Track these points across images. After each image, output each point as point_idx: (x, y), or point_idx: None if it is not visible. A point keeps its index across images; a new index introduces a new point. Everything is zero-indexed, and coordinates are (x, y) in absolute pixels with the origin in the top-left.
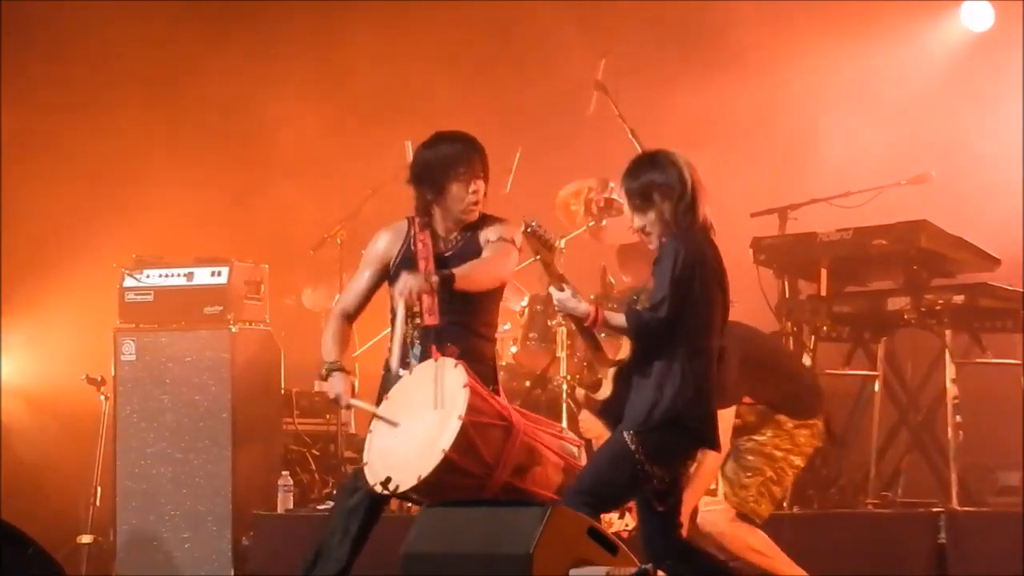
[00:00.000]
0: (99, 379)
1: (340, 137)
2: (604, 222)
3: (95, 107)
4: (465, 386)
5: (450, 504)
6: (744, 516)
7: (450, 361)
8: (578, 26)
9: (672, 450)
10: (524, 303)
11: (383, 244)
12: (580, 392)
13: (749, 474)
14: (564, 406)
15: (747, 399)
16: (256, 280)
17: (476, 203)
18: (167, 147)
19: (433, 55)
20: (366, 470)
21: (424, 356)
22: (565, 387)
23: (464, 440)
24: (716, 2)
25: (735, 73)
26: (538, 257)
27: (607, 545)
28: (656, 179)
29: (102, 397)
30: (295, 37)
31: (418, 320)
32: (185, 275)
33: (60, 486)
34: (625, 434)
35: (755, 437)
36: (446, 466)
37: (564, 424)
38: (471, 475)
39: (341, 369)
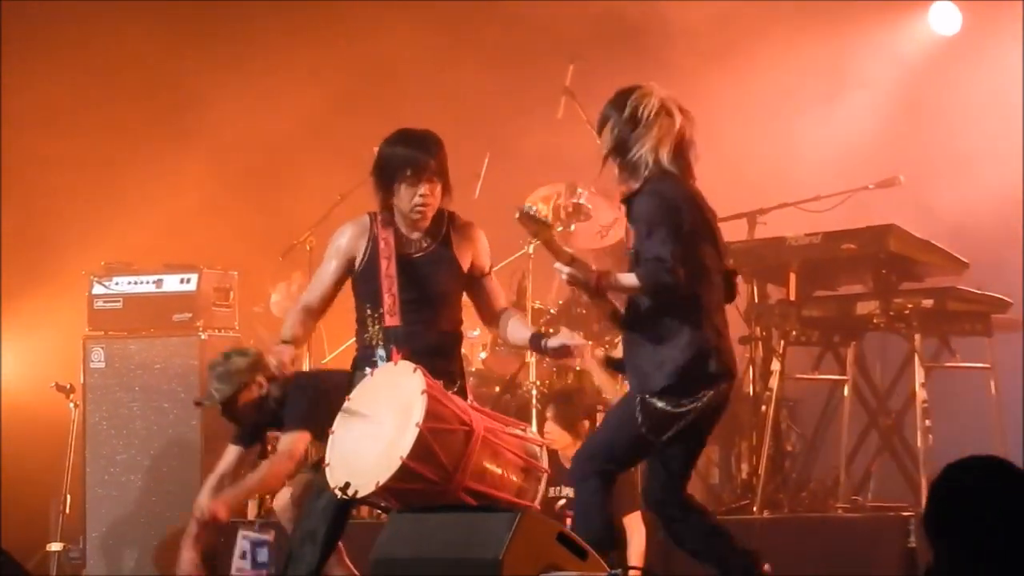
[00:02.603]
0: (68, 387)
1: (308, 143)
2: (573, 227)
3: (68, 116)
4: (423, 392)
5: (420, 509)
6: None
7: (409, 366)
8: (547, 30)
9: (683, 397)
10: None
11: (347, 240)
12: (599, 353)
13: None
14: (533, 411)
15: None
16: (225, 287)
17: (424, 206)
18: (137, 154)
19: (402, 60)
20: (327, 472)
21: (388, 358)
22: (535, 392)
23: (422, 447)
24: (682, 6)
25: (702, 78)
26: (536, 240)
27: (577, 551)
28: (611, 111)
29: (71, 405)
30: (267, 44)
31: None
32: (154, 282)
33: (29, 494)
34: (636, 397)
35: None
36: (404, 473)
37: (533, 426)
38: (430, 481)
39: (290, 343)
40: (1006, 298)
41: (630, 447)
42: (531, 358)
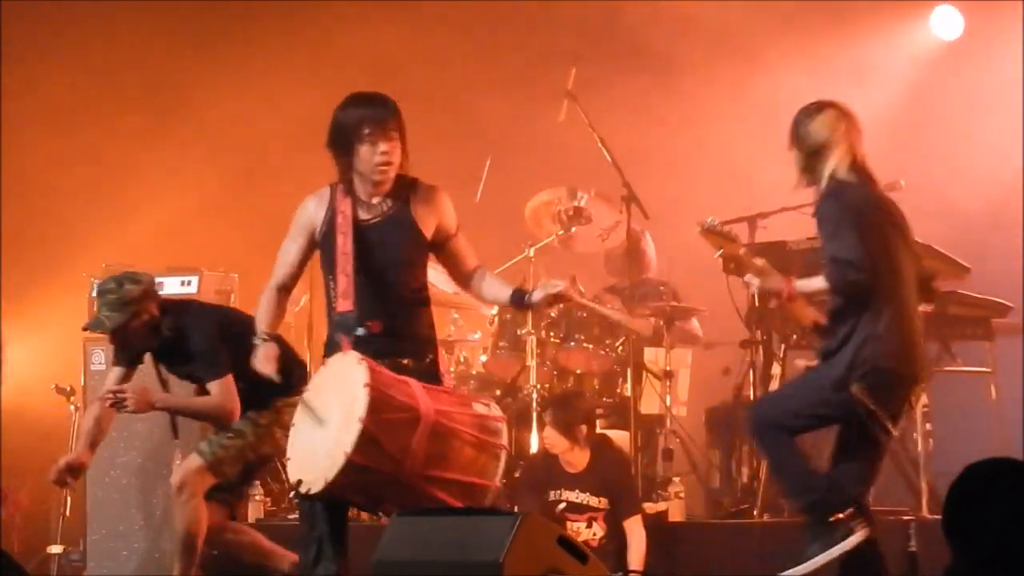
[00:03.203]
0: (69, 389)
1: (309, 144)
2: (573, 230)
3: (68, 116)
4: (366, 385)
5: (421, 512)
6: (214, 472)
7: (354, 356)
8: (549, 33)
9: (884, 394)
10: (494, 312)
11: (307, 213)
12: (801, 364)
13: (231, 435)
14: (534, 415)
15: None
16: (226, 289)
17: (386, 164)
18: (138, 155)
19: (403, 62)
20: (288, 466)
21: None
22: (536, 395)
23: (366, 441)
24: (684, 11)
25: (704, 82)
26: (720, 253)
27: (577, 554)
28: (798, 126)
29: (72, 407)
30: (267, 45)
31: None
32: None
33: (30, 496)
34: (828, 386)
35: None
36: (350, 468)
37: (533, 432)
38: (380, 472)
39: (269, 339)
40: (1007, 302)
41: (809, 424)
42: (531, 361)
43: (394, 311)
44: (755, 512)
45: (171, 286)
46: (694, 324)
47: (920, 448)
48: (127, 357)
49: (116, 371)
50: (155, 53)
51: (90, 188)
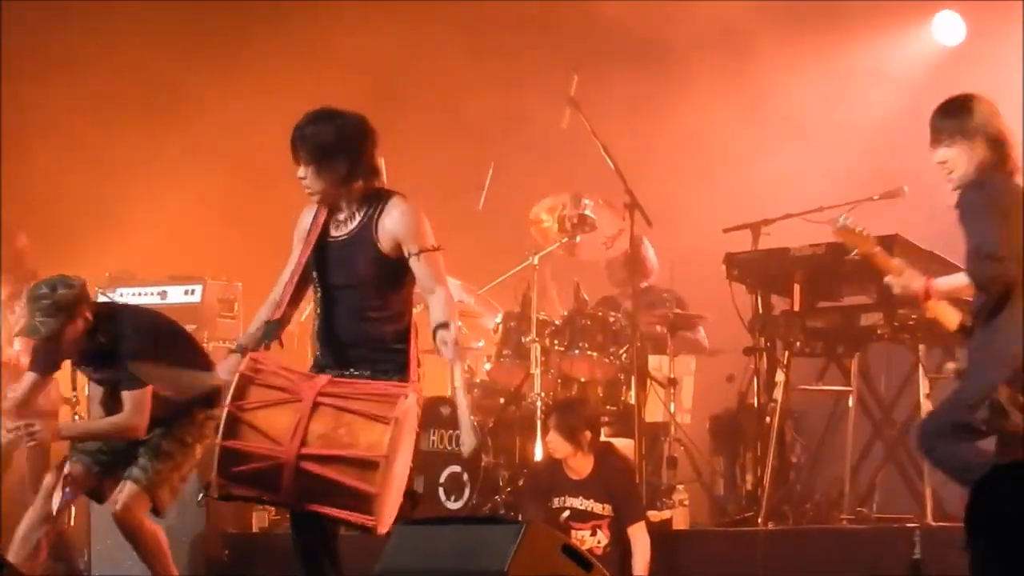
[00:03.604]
0: (73, 398)
1: None
2: (578, 238)
3: (74, 127)
4: (235, 374)
5: (424, 521)
6: (150, 495)
7: (248, 357)
8: (552, 40)
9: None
10: (498, 320)
11: (303, 223)
12: (951, 367)
13: (162, 458)
14: (538, 423)
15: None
16: (230, 298)
17: (306, 189)
18: (141, 163)
19: (405, 65)
20: None
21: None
22: (540, 403)
23: (234, 427)
24: (686, 17)
25: (706, 90)
26: (856, 253)
27: (581, 562)
28: (945, 122)
29: (75, 417)
30: (269, 50)
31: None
32: (159, 293)
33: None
34: (977, 387)
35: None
36: (227, 457)
37: (538, 438)
38: (260, 456)
39: (240, 352)
40: None
41: (967, 432)
42: (536, 370)
43: (349, 327)
44: (759, 519)
45: (174, 295)
46: (700, 333)
47: None
48: (47, 363)
49: (30, 376)
50: (157, 60)
51: (92, 196)
